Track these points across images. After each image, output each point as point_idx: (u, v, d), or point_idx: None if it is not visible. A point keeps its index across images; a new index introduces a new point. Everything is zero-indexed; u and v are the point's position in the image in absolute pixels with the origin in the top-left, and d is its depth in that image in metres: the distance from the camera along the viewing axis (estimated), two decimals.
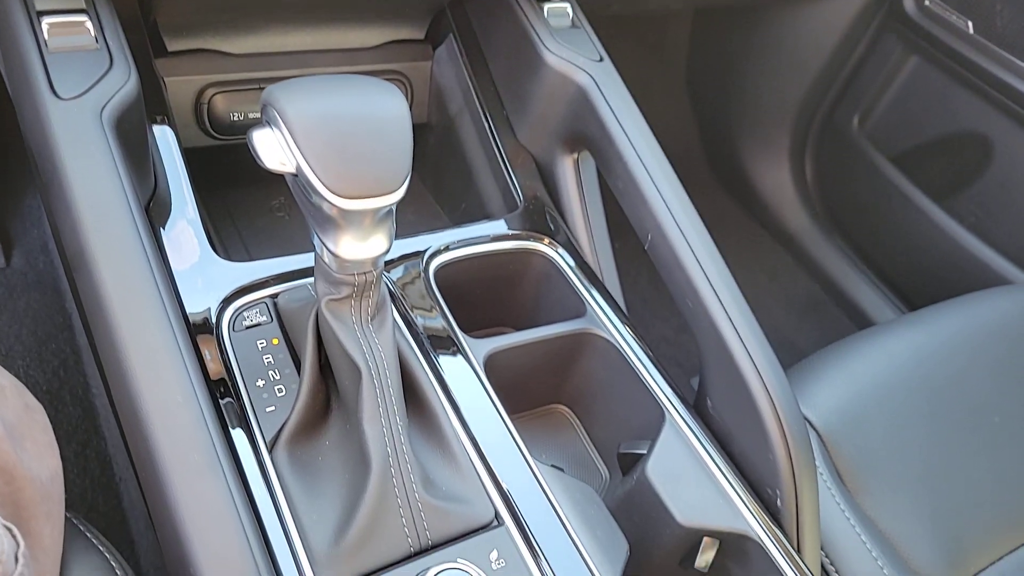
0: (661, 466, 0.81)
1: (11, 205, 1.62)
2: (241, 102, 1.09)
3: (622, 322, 0.93)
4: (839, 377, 1.10)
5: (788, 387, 0.85)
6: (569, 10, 1.08)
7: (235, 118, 1.10)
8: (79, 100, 0.79)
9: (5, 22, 0.84)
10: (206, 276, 0.80)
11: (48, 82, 0.79)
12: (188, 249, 0.82)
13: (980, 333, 1.21)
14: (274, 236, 1.17)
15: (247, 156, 0.62)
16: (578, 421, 1.01)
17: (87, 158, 0.76)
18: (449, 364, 0.82)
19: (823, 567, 0.93)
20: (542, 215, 1.03)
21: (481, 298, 0.99)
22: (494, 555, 0.68)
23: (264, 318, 0.78)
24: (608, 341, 0.92)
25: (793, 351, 1.80)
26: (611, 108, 0.98)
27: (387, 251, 0.65)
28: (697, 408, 0.90)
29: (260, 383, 0.74)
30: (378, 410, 0.67)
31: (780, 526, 0.82)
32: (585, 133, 1.02)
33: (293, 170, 0.60)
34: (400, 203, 0.63)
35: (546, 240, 1.00)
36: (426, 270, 0.90)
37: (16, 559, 0.54)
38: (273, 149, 0.61)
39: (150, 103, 0.91)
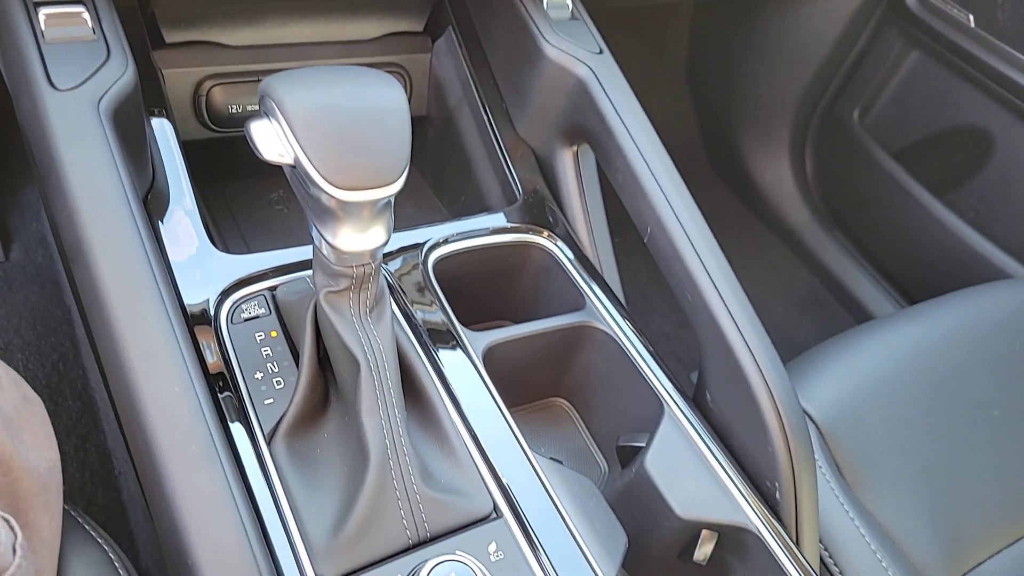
0: (660, 459, 0.81)
1: (10, 199, 1.62)
2: (240, 94, 1.09)
3: (621, 315, 0.93)
4: (838, 371, 1.10)
5: (787, 380, 0.84)
6: (568, 2, 1.08)
7: (233, 110, 1.09)
8: (76, 91, 0.79)
9: (2, 12, 0.84)
10: (204, 268, 0.80)
11: (45, 73, 0.79)
12: (186, 241, 0.82)
13: (980, 327, 1.21)
14: (273, 229, 1.17)
15: (246, 149, 0.62)
16: (577, 414, 1.01)
17: (84, 149, 0.75)
18: (448, 357, 0.82)
19: (822, 560, 0.93)
20: (541, 208, 1.02)
21: (480, 291, 0.99)
22: (492, 547, 0.68)
23: (262, 310, 0.78)
24: (607, 334, 0.92)
25: (793, 345, 1.80)
26: (610, 100, 0.98)
27: (386, 243, 0.65)
28: (696, 401, 0.90)
29: (258, 375, 0.73)
30: (376, 402, 0.67)
31: (779, 519, 0.82)
32: (584, 126, 1.01)
33: (291, 161, 0.60)
34: (399, 196, 0.63)
35: (545, 233, 0.99)
36: (425, 263, 0.90)
37: (14, 550, 0.54)
38: (271, 140, 0.60)
39: (148, 95, 0.90)
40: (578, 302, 0.95)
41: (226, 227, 1.15)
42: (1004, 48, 1.48)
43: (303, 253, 0.84)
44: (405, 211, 1.19)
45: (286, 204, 1.20)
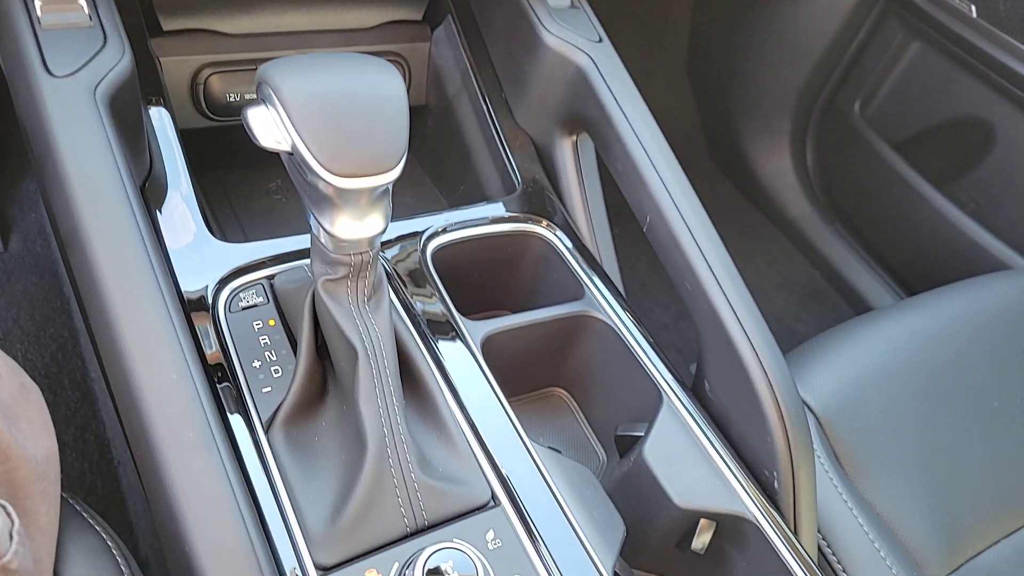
0: (658, 448, 0.81)
1: (8, 189, 1.61)
2: (237, 83, 1.08)
3: (620, 305, 0.93)
4: (838, 361, 1.10)
5: (786, 370, 0.84)
6: None
7: (231, 99, 1.09)
8: (72, 77, 0.78)
9: None
10: (202, 256, 0.80)
11: (41, 59, 0.79)
12: (184, 230, 0.81)
13: (979, 317, 1.21)
14: (271, 218, 1.17)
15: (244, 137, 0.62)
16: (576, 404, 1.01)
17: (80, 135, 0.75)
18: (446, 346, 0.81)
19: (820, 549, 0.93)
20: (540, 197, 1.02)
21: (479, 280, 0.99)
22: (490, 535, 0.68)
23: (260, 299, 0.78)
24: (606, 324, 0.91)
25: (792, 337, 1.80)
26: (610, 89, 0.97)
27: (383, 231, 0.64)
28: (695, 391, 0.89)
29: (256, 364, 0.73)
30: (374, 390, 0.66)
31: (777, 508, 0.82)
32: (584, 115, 1.01)
33: (288, 148, 0.60)
34: (398, 185, 0.62)
35: (544, 222, 0.99)
36: (423, 252, 0.90)
37: (11, 536, 0.54)
38: (268, 127, 0.60)
39: (145, 84, 0.90)
40: (577, 292, 0.94)
41: (224, 216, 1.14)
42: (1006, 39, 1.47)
43: (301, 241, 0.84)
44: (404, 200, 1.19)
45: (284, 194, 1.20)
